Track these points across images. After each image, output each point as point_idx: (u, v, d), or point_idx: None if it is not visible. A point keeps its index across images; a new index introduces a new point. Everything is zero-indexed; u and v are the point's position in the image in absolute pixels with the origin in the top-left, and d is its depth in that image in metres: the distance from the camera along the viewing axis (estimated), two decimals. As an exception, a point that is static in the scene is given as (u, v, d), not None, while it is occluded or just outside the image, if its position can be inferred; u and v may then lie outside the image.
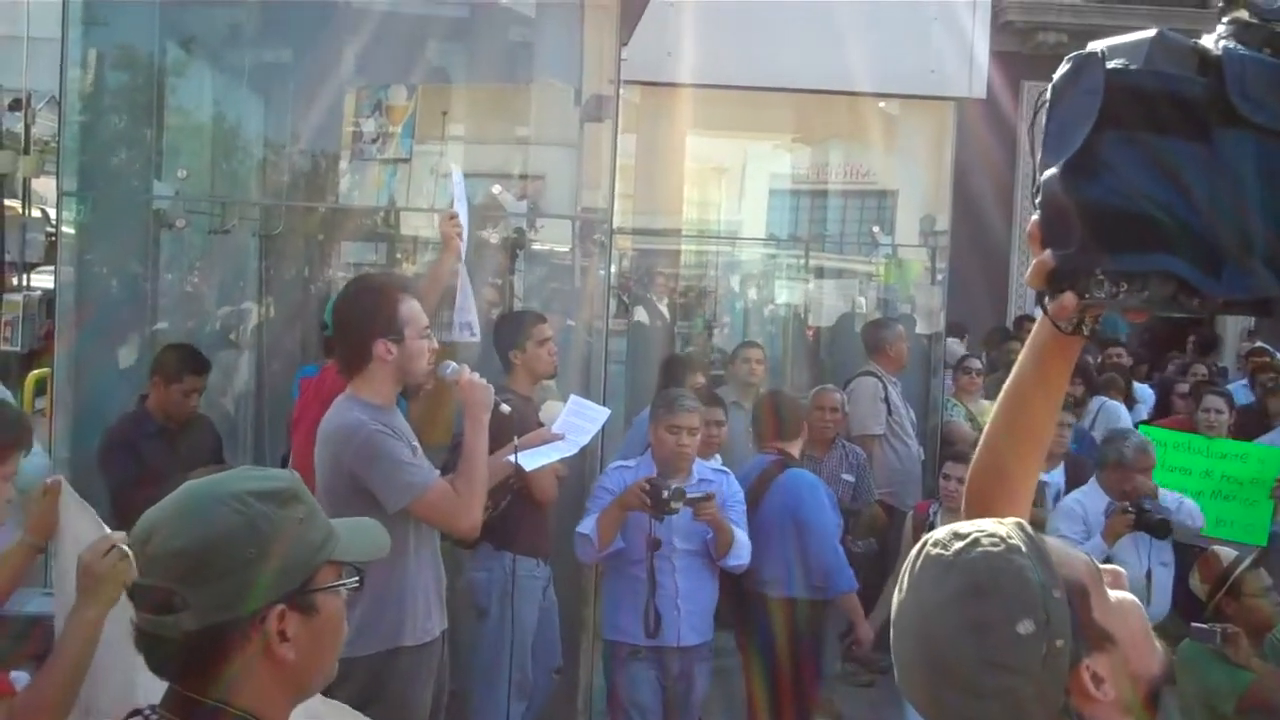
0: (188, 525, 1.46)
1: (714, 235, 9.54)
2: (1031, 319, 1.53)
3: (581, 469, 4.79)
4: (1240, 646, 4.01)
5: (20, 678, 2.51)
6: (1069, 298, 1.35)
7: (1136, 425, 6.46)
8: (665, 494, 4.12)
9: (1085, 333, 1.45)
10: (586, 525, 4.32)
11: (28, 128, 7.70)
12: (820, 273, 8.55)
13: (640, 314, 8.46)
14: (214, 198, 6.00)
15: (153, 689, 1.51)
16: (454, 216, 4.28)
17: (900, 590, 1.33)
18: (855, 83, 6.43)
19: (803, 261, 8.57)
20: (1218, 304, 1.27)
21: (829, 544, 4.79)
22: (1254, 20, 1.27)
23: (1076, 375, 5.03)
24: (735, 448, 5.60)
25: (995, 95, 8.65)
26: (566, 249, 5.86)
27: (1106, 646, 1.27)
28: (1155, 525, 4.82)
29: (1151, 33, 1.27)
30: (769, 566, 4.72)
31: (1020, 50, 11.35)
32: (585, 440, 4.19)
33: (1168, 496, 5.09)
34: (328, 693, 1.76)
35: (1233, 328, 11.52)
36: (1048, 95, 1.35)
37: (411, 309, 3.43)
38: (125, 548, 2.28)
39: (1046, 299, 1.41)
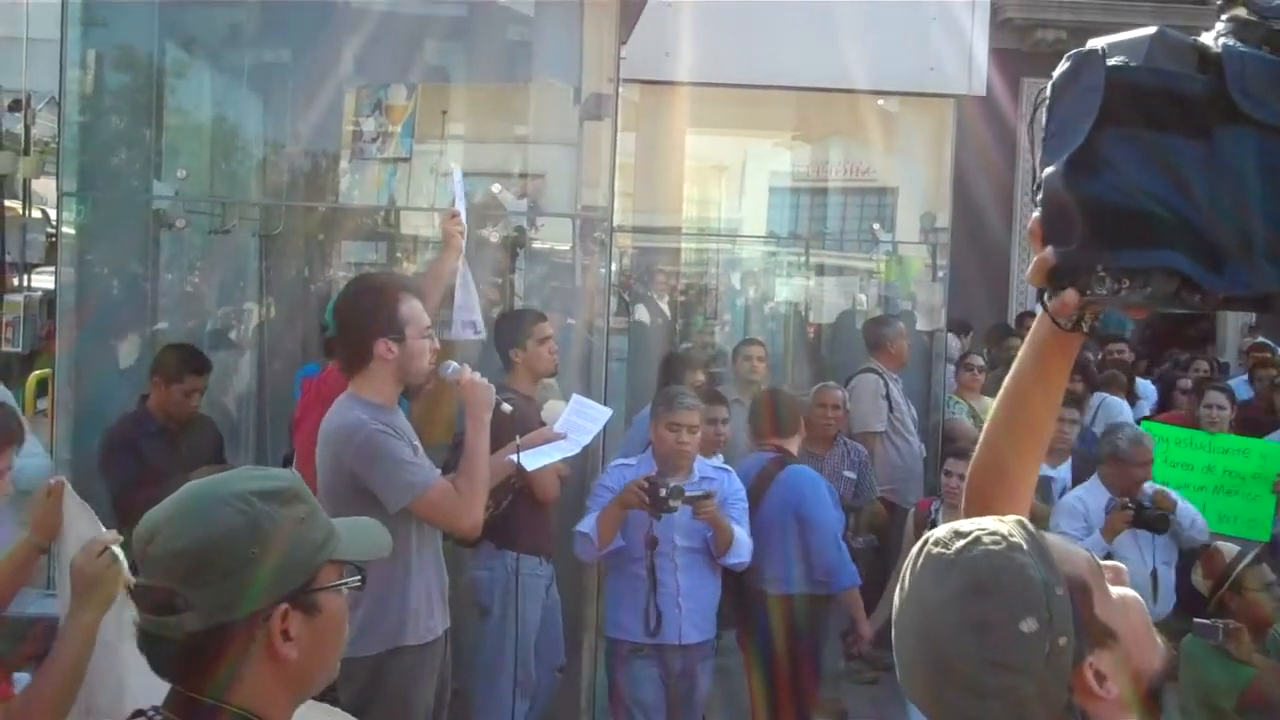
0: (190, 525, 1.46)
1: (714, 233, 9.55)
2: (1033, 315, 1.52)
3: (583, 467, 4.79)
4: (1242, 642, 4.01)
5: (23, 679, 2.51)
6: (1070, 294, 1.35)
7: (1139, 421, 6.46)
8: (663, 492, 4.12)
9: (1085, 330, 1.45)
10: (586, 524, 4.32)
11: (27, 128, 7.72)
12: (821, 270, 8.56)
13: (641, 312, 8.46)
14: (214, 198, 6.00)
15: (140, 690, 1.51)
16: (455, 215, 4.28)
17: (901, 589, 1.32)
18: (855, 80, 6.42)
19: (803, 259, 8.57)
20: (1219, 300, 1.27)
21: (831, 540, 4.79)
22: (1252, 18, 1.27)
23: (1076, 372, 5.02)
24: (738, 445, 5.61)
25: (995, 92, 8.64)
26: (567, 247, 5.87)
27: (1109, 643, 1.27)
28: (1154, 521, 4.82)
29: (1151, 30, 1.27)
30: (770, 564, 4.72)
31: (1019, 47, 11.33)
32: (587, 440, 4.18)
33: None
34: (330, 691, 1.76)
35: (1233, 323, 11.52)
36: (1047, 93, 1.35)
37: (413, 308, 3.43)
38: (117, 549, 2.28)
39: (1047, 296, 1.41)
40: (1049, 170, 1.32)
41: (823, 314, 8.40)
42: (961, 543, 1.28)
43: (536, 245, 6.07)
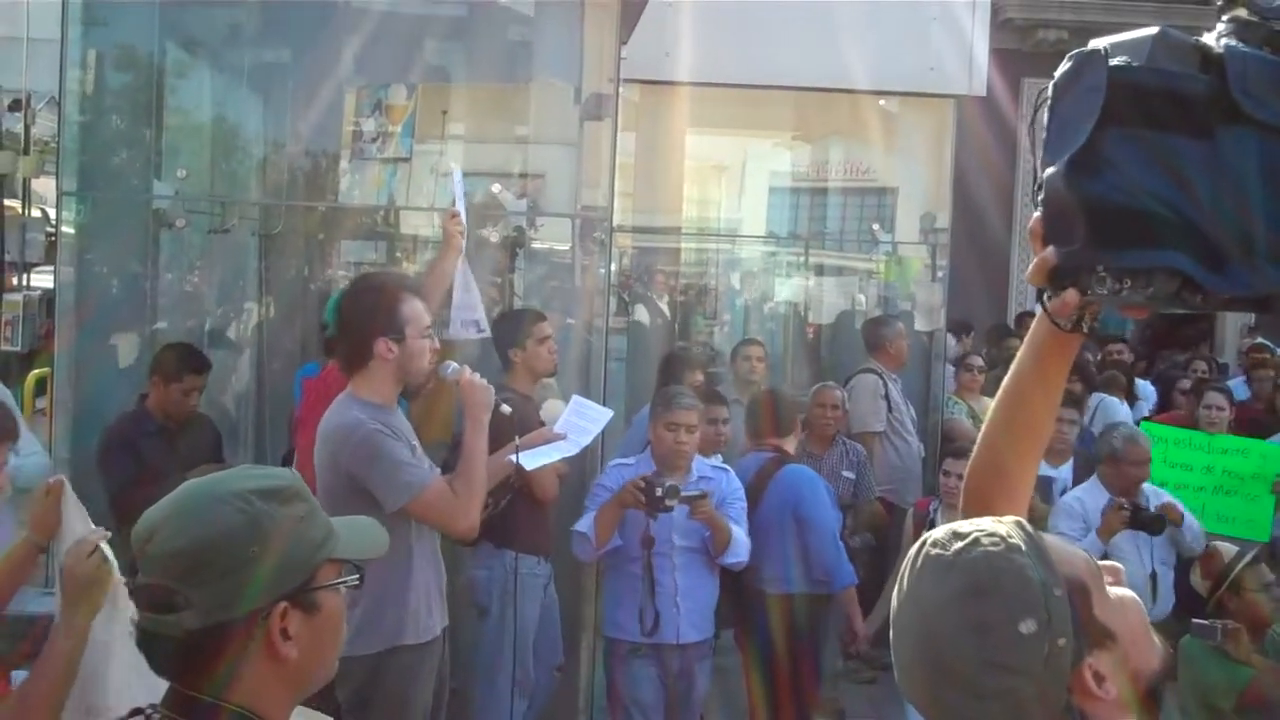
0: (189, 524, 1.46)
1: (714, 233, 9.55)
2: (1032, 315, 1.52)
3: (582, 467, 4.79)
4: (1241, 642, 4.01)
5: (21, 678, 2.51)
6: (1071, 295, 1.35)
7: (1138, 422, 6.46)
8: (659, 492, 4.12)
9: (1085, 330, 1.45)
10: (584, 523, 4.33)
11: (27, 128, 7.72)
12: (820, 270, 8.56)
13: (640, 312, 8.47)
14: (214, 197, 6.00)
15: (123, 688, 1.51)
16: (456, 215, 4.28)
17: (900, 590, 1.32)
18: (855, 80, 6.43)
19: (803, 259, 8.58)
20: (1221, 300, 1.27)
21: (830, 539, 4.80)
22: (1253, 18, 1.27)
23: (1074, 372, 5.02)
24: (735, 445, 5.61)
25: (995, 93, 8.65)
26: (566, 247, 5.86)
27: (1107, 644, 1.27)
28: (1150, 522, 4.81)
29: (1154, 30, 1.27)
30: (769, 563, 4.72)
31: (1020, 47, 11.33)
32: (587, 441, 4.18)
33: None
34: (329, 690, 1.76)
35: (1232, 324, 11.53)
36: (1049, 93, 1.35)
37: (414, 308, 3.43)
38: (106, 548, 2.28)
39: (1047, 296, 1.41)
40: (1051, 170, 1.32)
41: (822, 314, 8.41)
42: (960, 544, 1.28)
43: (536, 245, 6.07)
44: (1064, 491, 5.47)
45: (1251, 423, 6.65)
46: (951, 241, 7.47)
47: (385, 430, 3.33)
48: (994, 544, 1.26)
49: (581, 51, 5.30)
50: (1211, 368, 8.55)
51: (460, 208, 4.32)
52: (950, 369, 7.43)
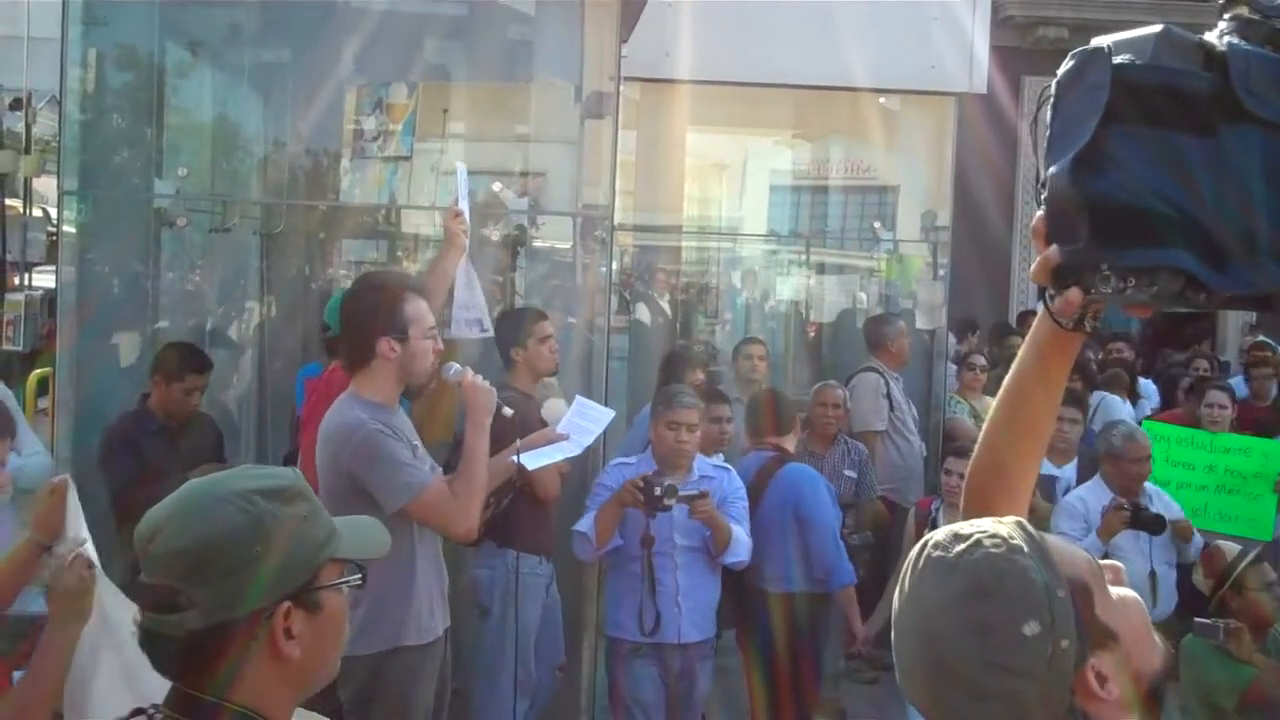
0: (191, 524, 1.46)
1: (715, 231, 9.55)
2: (1034, 314, 1.52)
3: (584, 466, 4.79)
4: (1243, 642, 4.01)
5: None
6: (1074, 293, 1.35)
7: (1140, 421, 6.46)
8: (658, 491, 4.12)
9: (1087, 329, 1.45)
10: (584, 523, 4.32)
11: (28, 127, 7.71)
12: (821, 268, 8.56)
13: (641, 311, 8.46)
14: (215, 196, 6.00)
15: (110, 694, 1.51)
16: (459, 213, 4.27)
17: (901, 591, 1.32)
18: (855, 78, 6.43)
19: (804, 257, 8.58)
20: (1224, 299, 1.27)
21: (830, 538, 4.79)
22: (1255, 16, 1.27)
23: (1075, 371, 5.02)
24: (738, 445, 5.61)
25: (995, 90, 8.64)
26: (567, 246, 5.86)
27: (1110, 645, 1.26)
28: (1150, 522, 4.80)
29: (1157, 28, 1.27)
30: (770, 562, 4.72)
31: (1021, 45, 11.31)
32: (589, 441, 4.17)
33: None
34: (331, 690, 1.76)
35: (1234, 323, 11.52)
36: (1051, 91, 1.35)
37: (417, 308, 3.42)
38: (91, 554, 2.27)
39: (1050, 295, 1.41)
40: (1054, 168, 1.31)
41: (823, 313, 8.41)
42: (962, 545, 1.27)
43: (537, 244, 6.07)
44: (1068, 490, 5.47)
45: (1258, 423, 6.64)
46: (953, 239, 7.47)
47: (386, 430, 3.33)
48: (996, 545, 1.26)
49: (582, 50, 5.30)
50: (1213, 366, 8.54)
51: (464, 206, 4.31)
52: (952, 368, 7.43)
